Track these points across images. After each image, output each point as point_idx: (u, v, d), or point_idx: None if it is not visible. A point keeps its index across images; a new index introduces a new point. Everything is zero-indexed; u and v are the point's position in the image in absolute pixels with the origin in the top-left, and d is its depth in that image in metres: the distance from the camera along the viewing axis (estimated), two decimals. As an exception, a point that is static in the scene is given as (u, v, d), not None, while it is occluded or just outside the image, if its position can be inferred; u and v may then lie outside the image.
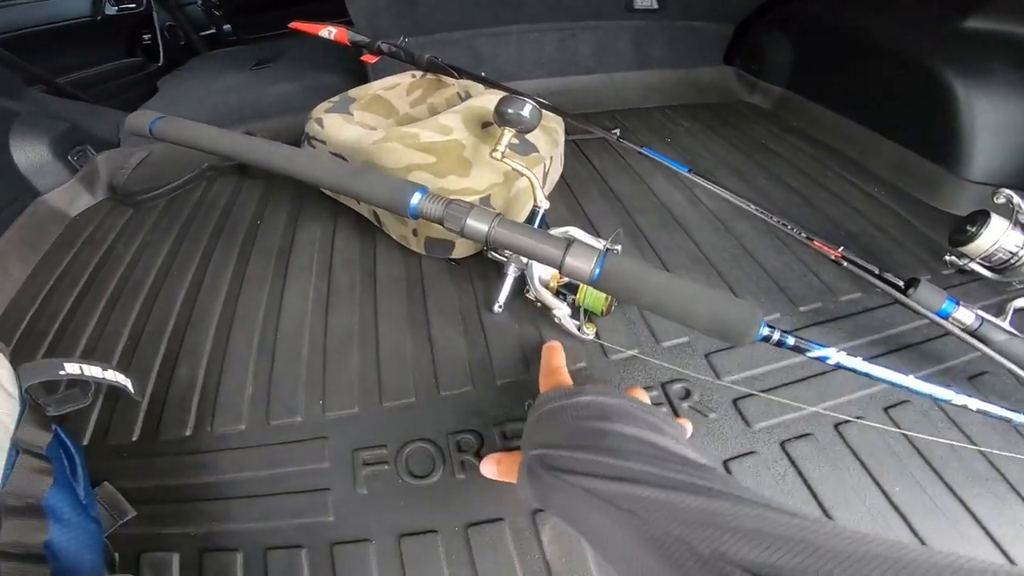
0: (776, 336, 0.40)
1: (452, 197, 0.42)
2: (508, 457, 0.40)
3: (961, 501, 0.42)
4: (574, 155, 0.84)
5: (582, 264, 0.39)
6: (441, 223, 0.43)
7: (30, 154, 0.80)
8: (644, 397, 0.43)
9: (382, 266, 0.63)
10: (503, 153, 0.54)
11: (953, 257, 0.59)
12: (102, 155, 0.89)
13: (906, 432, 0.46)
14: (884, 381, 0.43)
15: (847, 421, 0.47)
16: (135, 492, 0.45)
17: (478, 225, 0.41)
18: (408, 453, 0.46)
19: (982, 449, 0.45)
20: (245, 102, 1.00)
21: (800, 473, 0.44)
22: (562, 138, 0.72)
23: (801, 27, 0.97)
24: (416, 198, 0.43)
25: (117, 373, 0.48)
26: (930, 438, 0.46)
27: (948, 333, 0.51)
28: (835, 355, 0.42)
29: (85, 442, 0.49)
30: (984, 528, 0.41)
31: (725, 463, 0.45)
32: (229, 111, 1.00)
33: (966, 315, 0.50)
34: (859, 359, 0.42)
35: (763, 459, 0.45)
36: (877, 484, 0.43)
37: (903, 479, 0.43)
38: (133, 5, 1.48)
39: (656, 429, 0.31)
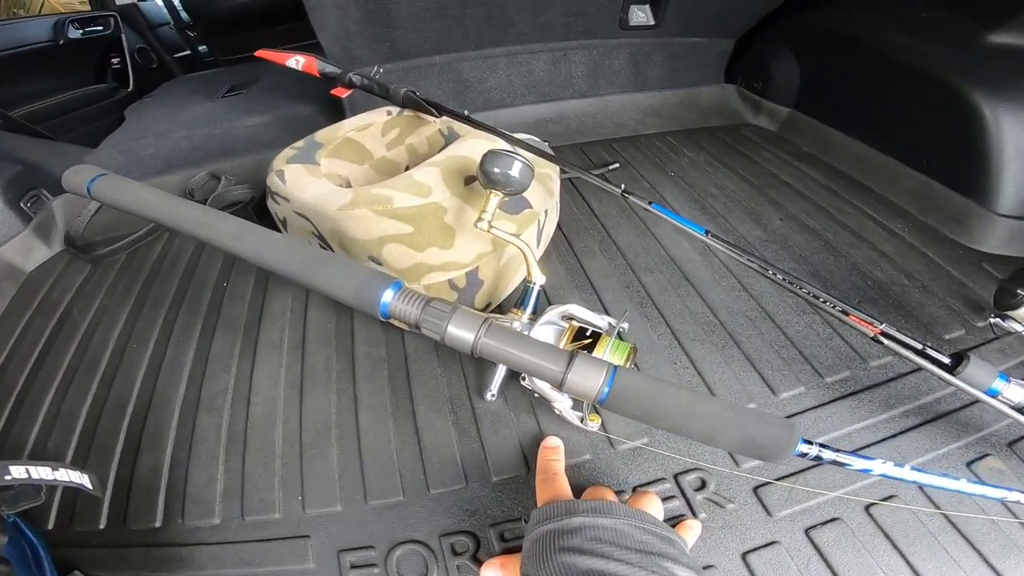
0: (814, 451, 0.35)
1: (431, 296, 0.36)
2: (512, 561, 0.37)
3: (996, 572, 0.39)
4: (569, 195, 0.78)
5: (588, 382, 0.33)
6: (418, 328, 0.37)
7: None
8: (654, 503, 0.39)
9: (361, 344, 0.57)
10: (489, 225, 0.47)
11: (997, 320, 0.53)
12: (57, 200, 0.82)
13: (945, 512, 0.42)
14: (937, 488, 0.38)
15: (877, 503, 0.43)
16: None
17: (462, 334, 0.35)
18: (399, 556, 0.41)
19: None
20: (213, 136, 0.93)
21: (825, 560, 0.40)
22: (557, 185, 0.65)
23: (806, 40, 0.91)
24: (388, 296, 0.37)
25: (71, 471, 0.44)
26: (970, 515, 0.42)
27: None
28: (879, 467, 0.37)
29: (49, 527, 0.46)
30: None
31: (744, 556, 0.41)
32: (194, 147, 0.93)
33: (1017, 393, 0.45)
34: (907, 467, 0.37)
35: (786, 549, 0.41)
36: (909, 565, 0.40)
37: (936, 556, 0.40)
38: (100, 28, 1.40)
39: (649, 555, 0.30)
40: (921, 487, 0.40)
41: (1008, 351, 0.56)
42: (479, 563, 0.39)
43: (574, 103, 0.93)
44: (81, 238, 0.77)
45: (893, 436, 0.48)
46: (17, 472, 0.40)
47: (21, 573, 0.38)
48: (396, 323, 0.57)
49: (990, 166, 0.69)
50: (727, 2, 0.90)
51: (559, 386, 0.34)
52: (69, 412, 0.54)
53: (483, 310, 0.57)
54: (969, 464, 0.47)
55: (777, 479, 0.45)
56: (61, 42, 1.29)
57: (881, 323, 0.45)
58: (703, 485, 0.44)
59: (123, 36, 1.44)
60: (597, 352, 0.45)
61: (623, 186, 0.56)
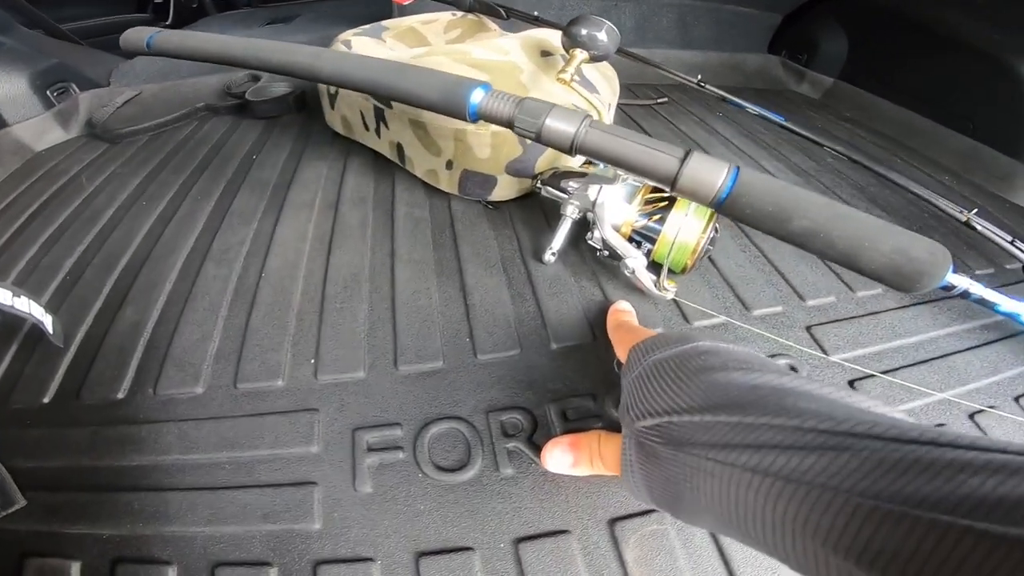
0: (963, 283, 0.29)
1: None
2: (586, 439, 0.28)
3: None
4: (621, 121, 0.74)
5: (707, 176, 0.27)
6: (510, 126, 0.31)
7: (5, 84, 0.68)
8: None
9: (402, 205, 0.49)
10: (571, 76, 0.42)
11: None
12: (85, 93, 0.77)
13: None
14: None
15: (981, 411, 0.36)
16: (31, 473, 0.31)
17: (562, 127, 0.30)
18: (432, 437, 0.32)
19: None
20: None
21: None
22: (616, 97, 0.62)
23: (859, 17, 0.92)
24: (478, 95, 0.32)
25: (32, 303, 0.35)
26: None
27: None
28: None
29: None
30: None
31: None
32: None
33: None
34: None
35: None
36: None
37: None
38: None
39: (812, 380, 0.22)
40: None
41: None
42: (536, 448, 0.30)
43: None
44: (103, 125, 0.70)
45: (984, 344, 0.40)
46: None
47: None
48: (444, 187, 0.51)
49: None
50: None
51: (671, 184, 0.28)
52: (50, 265, 0.45)
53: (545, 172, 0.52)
54: None
55: (878, 373, 0.37)
56: None
57: (973, 210, 0.41)
58: (792, 371, 0.38)
59: None
60: (677, 211, 0.39)
61: (700, 76, 0.52)
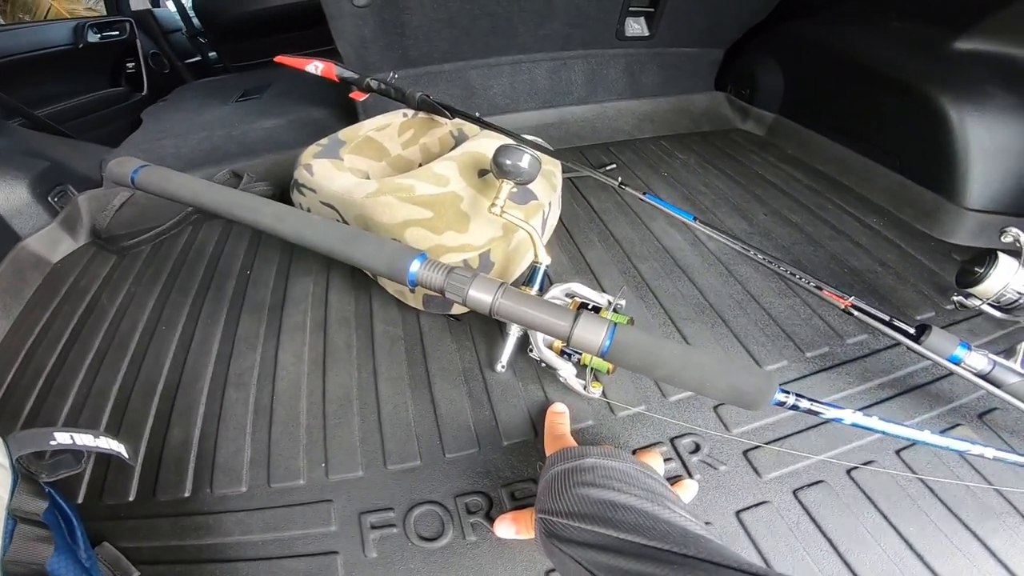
0: (791, 400, 0.40)
1: (452, 264, 0.41)
2: (524, 514, 0.40)
3: (977, 537, 0.42)
4: (570, 193, 0.84)
5: (591, 337, 0.38)
6: (442, 293, 0.42)
7: (9, 195, 0.78)
8: (656, 458, 0.42)
9: (379, 324, 0.62)
10: (502, 209, 0.53)
11: (960, 298, 0.59)
12: (83, 195, 0.87)
13: (921, 476, 0.47)
14: (901, 438, 0.43)
15: (858, 468, 0.47)
16: (136, 552, 0.44)
17: (481, 296, 0.41)
18: (416, 516, 0.45)
19: (998, 488, 0.46)
20: (231, 138, 0.98)
21: (813, 520, 0.44)
22: (560, 180, 0.71)
23: (789, 50, 0.98)
24: (415, 266, 0.42)
25: (110, 440, 0.46)
26: (945, 480, 0.46)
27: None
28: (850, 416, 0.42)
29: (79, 501, 0.49)
30: (1002, 562, 0.41)
31: (738, 514, 0.44)
32: (214, 147, 0.98)
33: (978, 360, 0.50)
34: (875, 418, 0.42)
35: (776, 508, 0.45)
36: (892, 526, 0.43)
37: (918, 519, 0.44)
38: (116, 33, 1.46)
39: (654, 495, 0.32)
40: (887, 435, 0.44)
41: (977, 331, 0.62)
42: (492, 520, 0.43)
43: (573, 109, 0.99)
44: (106, 231, 0.81)
45: (869, 406, 0.53)
46: (62, 438, 0.43)
47: (58, 539, 0.39)
48: (411, 303, 0.63)
49: (958, 165, 0.75)
50: (716, 15, 0.97)
51: (566, 341, 0.39)
52: (100, 390, 0.57)
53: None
54: (942, 433, 0.50)
55: (765, 443, 0.49)
56: (80, 45, 1.34)
57: (850, 296, 0.51)
58: (697, 448, 0.49)
59: (138, 41, 1.49)
60: (583, 358, 0.50)
61: (620, 178, 0.62)
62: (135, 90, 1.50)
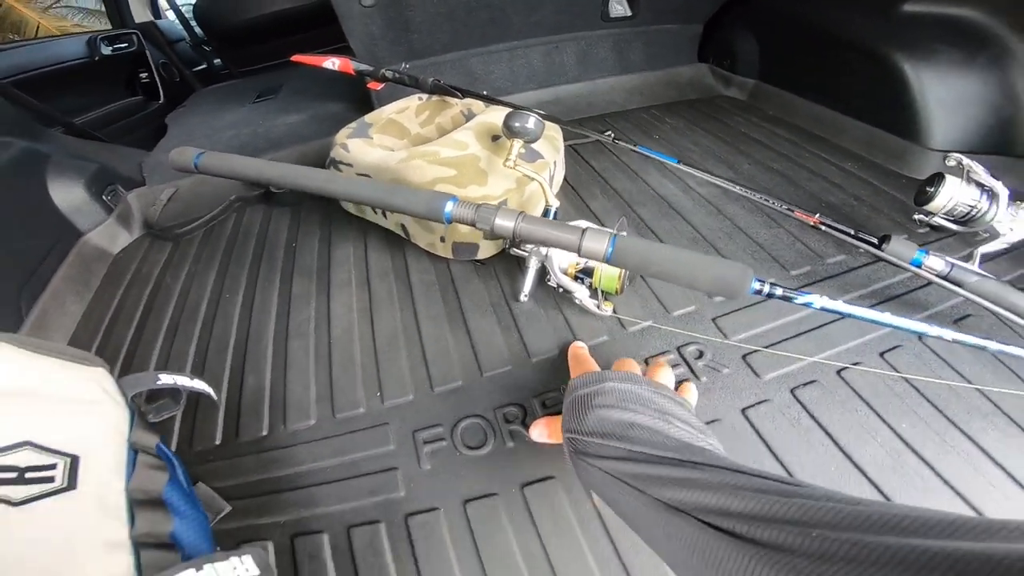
0: (766, 289, 0.49)
1: (478, 202, 0.50)
2: (555, 421, 0.45)
3: (968, 436, 0.46)
4: (573, 159, 0.93)
5: (597, 245, 0.47)
6: (473, 225, 0.51)
7: (68, 196, 0.87)
8: (666, 371, 0.47)
9: (415, 274, 0.71)
10: (515, 162, 0.62)
11: (920, 216, 0.68)
12: (132, 193, 0.96)
13: (904, 375, 0.51)
14: (862, 319, 0.50)
15: (847, 368, 0.53)
16: (225, 490, 0.50)
17: (505, 223, 0.49)
18: (462, 429, 0.52)
19: (979, 388, 0.50)
20: (257, 135, 1.08)
21: (812, 416, 0.49)
22: (562, 144, 0.80)
23: (763, 22, 1.07)
24: (449, 206, 0.51)
25: (200, 381, 0.55)
26: (927, 379, 0.50)
27: (928, 283, 0.58)
28: (818, 300, 0.50)
29: (172, 449, 0.54)
30: (997, 462, 0.44)
31: (743, 411, 0.50)
32: (243, 144, 1.07)
33: (937, 262, 0.58)
34: (839, 301, 0.50)
35: (777, 405, 0.50)
36: (885, 423, 0.48)
37: (908, 417, 0.48)
38: (125, 45, 1.53)
39: (665, 413, 0.37)
40: (851, 316, 0.49)
41: (945, 249, 0.69)
42: (527, 427, 0.50)
43: (568, 87, 1.09)
44: (158, 223, 0.91)
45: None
46: (165, 379, 0.50)
47: (171, 472, 0.42)
48: (441, 254, 0.72)
49: (919, 113, 0.84)
50: (691, -8, 1.08)
51: (577, 250, 0.48)
52: (177, 354, 0.66)
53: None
54: (921, 338, 0.55)
55: (764, 347, 0.55)
56: (96, 58, 1.42)
57: (816, 214, 0.59)
58: (701, 355, 0.56)
59: (147, 52, 1.58)
60: (594, 281, 0.59)
61: (611, 133, 0.71)
62: (152, 99, 1.59)
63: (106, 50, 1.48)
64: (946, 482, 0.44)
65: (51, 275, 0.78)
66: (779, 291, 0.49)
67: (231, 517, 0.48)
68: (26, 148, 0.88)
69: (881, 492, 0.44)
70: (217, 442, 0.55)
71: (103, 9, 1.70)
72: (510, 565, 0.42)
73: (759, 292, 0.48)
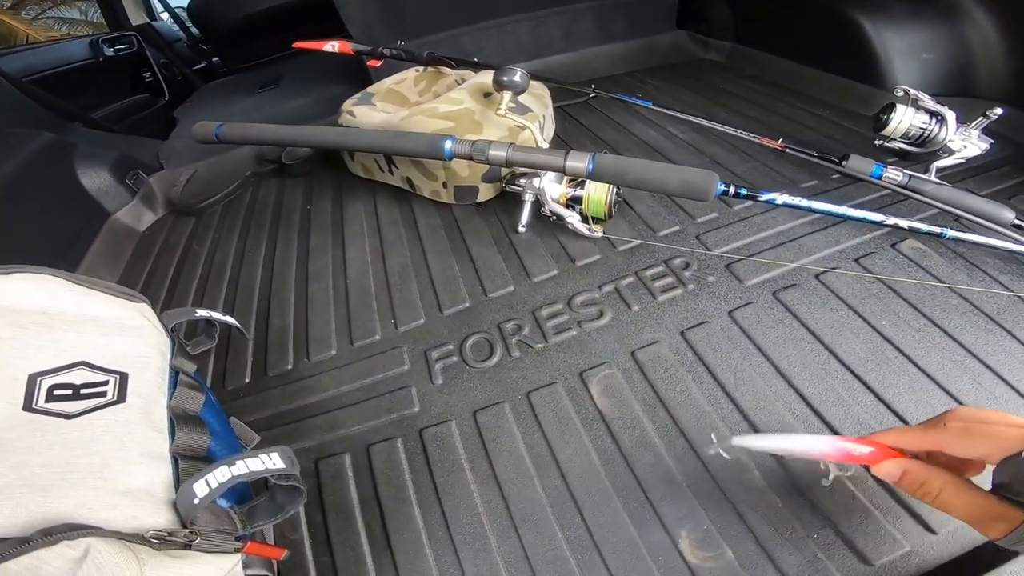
0: (732, 189, 0.56)
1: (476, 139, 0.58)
2: (927, 475, 0.29)
3: (947, 333, 0.48)
4: (563, 117, 1.00)
5: (579, 164, 0.54)
6: (471, 158, 0.59)
7: (95, 179, 0.95)
8: None
9: (421, 219, 0.78)
10: (506, 111, 0.70)
11: (880, 141, 0.75)
12: (154, 176, 1.05)
13: (880, 276, 0.54)
14: (823, 212, 0.57)
15: (825, 271, 0.56)
16: (256, 423, 0.55)
17: (499, 153, 0.57)
18: (470, 345, 0.58)
19: (951, 286, 0.52)
20: (267, 118, 1.16)
21: (796, 316, 0.52)
22: (550, 102, 0.88)
23: None
24: (449, 144, 0.59)
25: (230, 317, 0.62)
26: (902, 280, 0.53)
27: (895, 201, 0.64)
28: (780, 197, 0.57)
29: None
30: (979, 359, 0.46)
31: (730, 313, 0.54)
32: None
33: (896, 174, 0.65)
34: (799, 198, 0.56)
35: (761, 307, 0.54)
36: (866, 321, 0.50)
37: (887, 315, 0.50)
38: (126, 46, 1.62)
39: None
40: (812, 210, 0.55)
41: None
42: (531, 339, 0.56)
43: (556, 58, 1.16)
44: (180, 202, 0.99)
45: (826, 228, 0.63)
46: (201, 312, 0.56)
47: (207, 396, 0.44)
48: (445, 200, 0.79)
49: (881, 62, 0.90)
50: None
51: (562, 169, 0.55)
52: (209, 304, 0.72)
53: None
54: (893, 245, 0.60)
55: (748, 256, 0.60)
56: (100, 59, 1.50)
57: (780, 139, 0.67)
58: (687, 266, 0.62)
59: (147, 53, 1.65)
60: (583, 207, 0.66)
61: (593, 86, 0.78)
62: (157, 96, 1.68)
63: (108, 51, 1.56)
64: (930, 377, 0.46)
65: (86, 251, 0.86)
66: (744, 191, 0.56)
67: (260, 446, 0.50)
68: (54, 139, 0.97)
69: (867, 385, 0.46)
70: (247, 380, 0.60)
71: (86, 19, 1.79)
72: (519, 465, 0.46)
73: (726, 193, 0.55)
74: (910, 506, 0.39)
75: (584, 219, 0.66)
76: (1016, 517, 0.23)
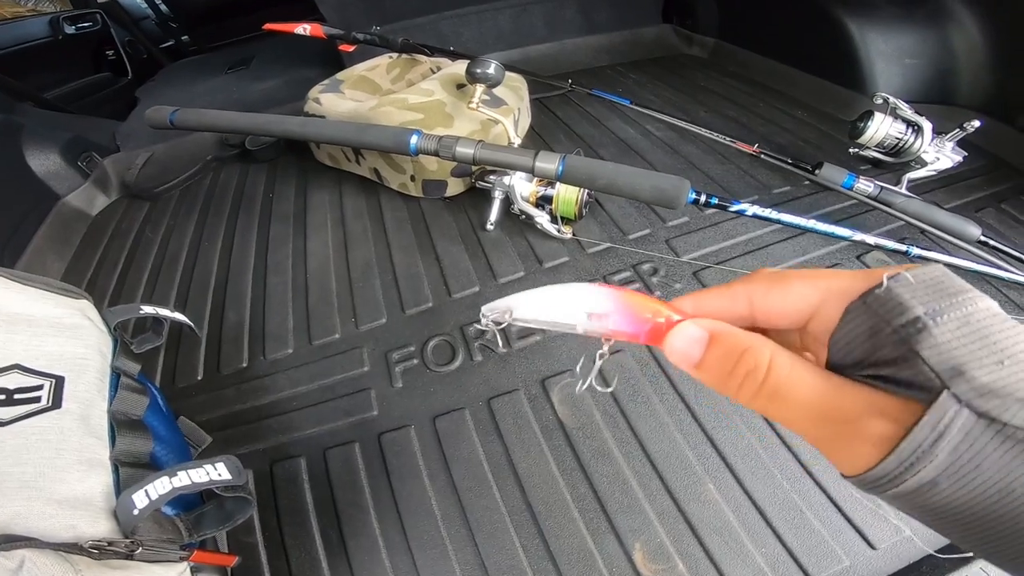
0: (703, 198, 0.55)
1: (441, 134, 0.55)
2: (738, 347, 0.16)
3: None
4: (540, 110, 0.98)
5: (549, 165, 0.53)
6: (437, 154, 0.56)
7: (44, 162, 0.89)
8: None
9: (388, 212, 0.75)
10: (477, 104, 0.67)
11: (855, 149, 0.74)
12: (109, 159, 0.99)
13: None
14: (790, 224, 0.57)
15: None
16: (208, 423, 0.52)
17: (466, 151, 0.55)
18: (432, 347, 0.57)
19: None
20: (232, 100, 1.11)
21: None
22: (527, 94, 0.86)
23: None
24: (414, 139, 0.56)
25: (180, 315, 0.59)
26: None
27: (863, 210, 0.64)
28: (750, 208, 0.56)
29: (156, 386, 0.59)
30: None
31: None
32: (219, 109, 1.10)
33: (866, 185, 0.65)
34: (770, 209, 0.56)
35: None
36: None
37: None
38: (89, 24, 1.54)
39: None
40: (780, 222, 0.56)
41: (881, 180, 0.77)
42: (488, 347, 0.55)
43: (536, 47, 1.13)
44: (135, 185, 0.94)
45: (794, 236, 0.64)
46: (147, 309, 0.54)
47: (152, 399, 0.42)
48: (413, 193, 0.76)
49: (863, 65, 0.90)
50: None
51: (531, 170, 0.53)
52: (161, 296, 0.69)
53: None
54: (858, 257, 0.61)
55: (716, 264, 0.61)
56: (60, 37, 1.42)
57: (755, 144, 0.66)
58: (655, 271, 0.61)
59: (112, 30, 1.58)
60: (553, 207, 0.64)
61: (570, 80, 0.76)
62: (120, 75, 1.61)
63: (69, 29, 1.49)
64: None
65: (32, 236, 0.81)
66: (715, 200, 0.55)
67: (213, 448, 0.50)
68: (1, 119, 0.91)
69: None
70: (199, 377, 0.58)
71: (55, -6, 1.69)
72: (477, 473, 0.46)
73: (697, 202, 0.54)
74: (854, 520, 0.40)
75: (554, 219, 0.65)
76: (902, 411, 0.12)
